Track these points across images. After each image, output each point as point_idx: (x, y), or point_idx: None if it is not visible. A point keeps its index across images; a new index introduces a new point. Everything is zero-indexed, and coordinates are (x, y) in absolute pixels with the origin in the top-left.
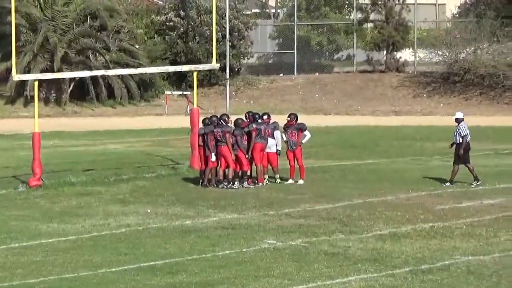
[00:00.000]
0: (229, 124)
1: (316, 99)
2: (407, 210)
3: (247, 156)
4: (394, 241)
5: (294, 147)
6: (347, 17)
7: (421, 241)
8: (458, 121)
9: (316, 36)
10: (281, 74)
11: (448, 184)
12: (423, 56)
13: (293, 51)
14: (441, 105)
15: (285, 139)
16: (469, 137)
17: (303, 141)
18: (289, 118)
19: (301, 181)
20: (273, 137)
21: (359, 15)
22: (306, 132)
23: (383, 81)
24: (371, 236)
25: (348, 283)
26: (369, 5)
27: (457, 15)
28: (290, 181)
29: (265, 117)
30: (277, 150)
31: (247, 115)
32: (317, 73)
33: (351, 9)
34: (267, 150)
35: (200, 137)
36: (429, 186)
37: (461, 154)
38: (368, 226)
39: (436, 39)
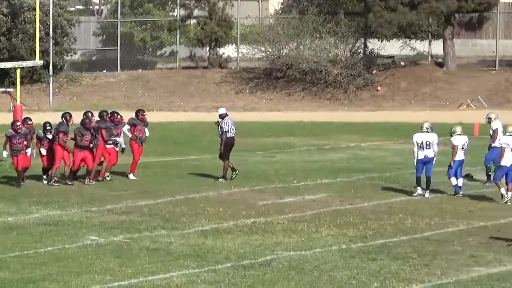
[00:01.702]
0: (69, 123)
1: (139, 95)
2: (229, 206)
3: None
4: (216, 237)
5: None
6: (171, 13)
7: (243, 237)
8: (222, 116)
9: (139, 32)
10: (105, 71)
11: (222, 180)
12: (246, 52)
13: (116, 47)
14: (264, 100)
15: (130, 135)
16: (231, 133)
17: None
18: (145, 113)
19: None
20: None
21: (183, 12)
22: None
23: (205, 77)
24: (193, 232)
25: (170, 278)
26: (193, 1)
27: (280, 12)
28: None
29: (118, 116)
30: (122, 148)
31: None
32: (140, 70)
33: (175, 6)
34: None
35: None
36: (251, 182)
37: (221, 150)
38: (190, 222)
39: (259, 35)
